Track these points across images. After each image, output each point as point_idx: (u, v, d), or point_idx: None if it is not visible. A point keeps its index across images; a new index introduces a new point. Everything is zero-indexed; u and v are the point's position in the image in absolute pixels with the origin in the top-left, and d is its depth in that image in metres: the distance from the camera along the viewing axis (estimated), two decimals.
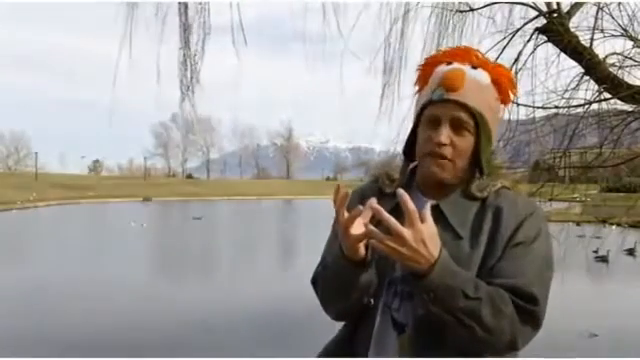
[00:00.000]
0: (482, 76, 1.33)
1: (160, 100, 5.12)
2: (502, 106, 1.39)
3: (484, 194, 1.33)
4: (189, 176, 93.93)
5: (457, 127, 1.30)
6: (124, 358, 6.57)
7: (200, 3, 4.55)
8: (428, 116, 1.32)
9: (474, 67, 1.34)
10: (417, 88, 1.43)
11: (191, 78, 4.68)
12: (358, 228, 1.19)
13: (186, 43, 4.68)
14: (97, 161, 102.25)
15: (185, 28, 4.60)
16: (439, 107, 1.31)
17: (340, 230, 1.22)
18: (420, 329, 1.25)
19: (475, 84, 1.31)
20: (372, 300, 1.32)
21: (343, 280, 1.27)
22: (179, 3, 4.65)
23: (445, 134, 1.29)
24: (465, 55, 1.36)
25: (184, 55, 4.67)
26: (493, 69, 1.36)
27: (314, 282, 1.40)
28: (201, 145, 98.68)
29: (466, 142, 1.30)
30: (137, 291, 11.44)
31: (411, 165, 1.43)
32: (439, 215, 1.29)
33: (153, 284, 12.70)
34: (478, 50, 1.40)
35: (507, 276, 1.23)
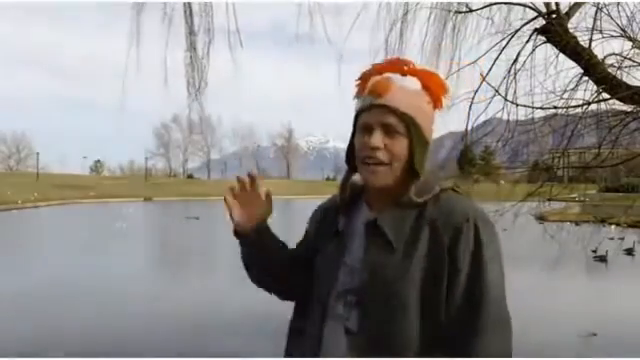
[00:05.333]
0: (411, 82, 1.38)
1: (165, 101, 5.16)
2: (435, 110, 1.42)
3: (421, 199, 1.35)
4: (190, 176, 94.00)
5: (388, 131, 1.34)
6: (124, 358, 6.59)
7: (204, 7, 4.58)
8: (361, 124, 1.38)
9: (403, 75, 1.39)
10: (355, 100, 1.47)
11: (200, 80, 4.71)
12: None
13: (192, 44, 4.71)
14: (98, 161, 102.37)
15: (191, 30, 4.63)
16: (369, 114, 1.36)
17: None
18: (367, 333, 1.34)
19: (402, 89, 1.36)
20: (320, 307, 1.43)
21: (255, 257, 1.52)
22: (184, 4, 4.68)
23: (378, 138, 1.34)
24: (395, 66, 1.41)
25: (191, 57, 4.71)
26: (423, 75, 1.40)
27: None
28: (202, 146, 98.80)
29: (399, 145, 1.35)
30: (137, 291, 11.46)
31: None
32: (376, 229, 1.37)
33: (153, 284, 12.70)
34: (410, 61, 1.44)
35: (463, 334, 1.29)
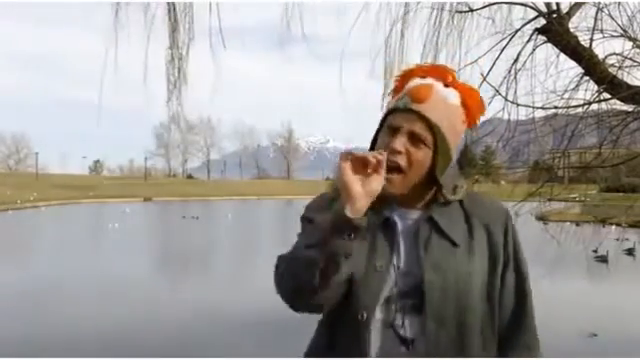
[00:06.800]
0: (452, 95, 1.34)
1: (153, 100, 5.18)
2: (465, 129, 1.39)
3: (458, 196, 1.37)
4: (189, 176, 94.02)
5: (414, 139, 1.29)
6: (124, 358, 6.58)
7: (184, 9, 4.62)
8: (389, 124, 1.32)
9: (446, 85, 1.35)
10: (389, 98, 1.42)
11: (177, 79, 4.75)
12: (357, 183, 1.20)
13: (174, 42, 4.74)
14: (98, 161, 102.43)
15: (174, 28, 4.66)
16: (401, 116, 1.31)
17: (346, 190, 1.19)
18: (434, 340, 1.27)
19: (442, 101, 1.32)
20: (364, 314, 1.29)
21: (333, 253, 1.18)
22: (168, 3, 4.71)
23: (401, 142, 1.28)
24: (441, 73, 1.37)
25: (172, 54, 4.74)
26: (465, 91, 1.36)
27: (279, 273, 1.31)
28: (201, 146, 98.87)
29: (422, 154, 1.30)
30: (137, 291, 11.45)
31: None
32: (432, 227, 1.33)
33: (153, 284, 12.70)
34: (454, 70, 1.40)
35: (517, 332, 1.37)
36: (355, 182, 1.18)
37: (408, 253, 1.32)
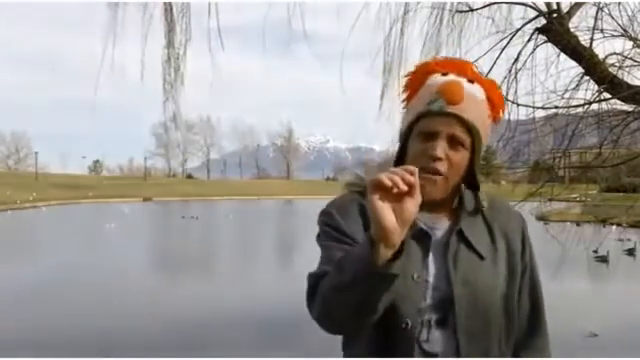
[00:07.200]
0: (478, 91, 1.29)
1: (151, 100, 5.18)
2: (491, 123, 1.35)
3: (485, 202, 1.34)
4: (189, 176, 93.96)
5: (453, 142, 1.25)
6: (124, 358, 6.57)
7: (182, 9, 4.63)
8: (424, 128, 1.26)
9: (470, 81, 1.29)
10: (405, 95, 1.35)
11: (175, 76, 4.76)
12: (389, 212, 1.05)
13: (170, 42, 4.74)
14: (97, 161, 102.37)
15: (170, 28, 4.66)
16: (437, 120, 1.25)
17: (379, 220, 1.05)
18: (466, 356, 1.25)
19: (473, 99, 1.27)
20: (409, 322, 1.24)
21: (373, 287, 1.11)
22: (164, 3, 4.71)
23: (441, 148, 1.24)
24: (461, 68, 1.31)
25: (168, 54, 4.74)
26: (488, 86, 1.32)
27: (312, 294, 1.24)
28: (201, 145, 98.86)
29: (460, 157, 1.26)
30: (136, 292, 11.44)
31: None
32: (460, 237, 1.30)
33: (153, 284, 12.69)
34: (471, 63, 1.36)
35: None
36: (388, 214, 1.04)
37: (438, 268, 1.27)
